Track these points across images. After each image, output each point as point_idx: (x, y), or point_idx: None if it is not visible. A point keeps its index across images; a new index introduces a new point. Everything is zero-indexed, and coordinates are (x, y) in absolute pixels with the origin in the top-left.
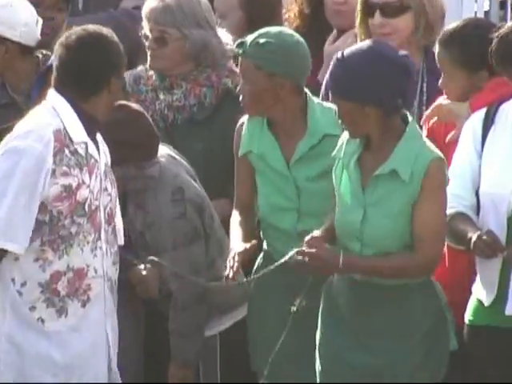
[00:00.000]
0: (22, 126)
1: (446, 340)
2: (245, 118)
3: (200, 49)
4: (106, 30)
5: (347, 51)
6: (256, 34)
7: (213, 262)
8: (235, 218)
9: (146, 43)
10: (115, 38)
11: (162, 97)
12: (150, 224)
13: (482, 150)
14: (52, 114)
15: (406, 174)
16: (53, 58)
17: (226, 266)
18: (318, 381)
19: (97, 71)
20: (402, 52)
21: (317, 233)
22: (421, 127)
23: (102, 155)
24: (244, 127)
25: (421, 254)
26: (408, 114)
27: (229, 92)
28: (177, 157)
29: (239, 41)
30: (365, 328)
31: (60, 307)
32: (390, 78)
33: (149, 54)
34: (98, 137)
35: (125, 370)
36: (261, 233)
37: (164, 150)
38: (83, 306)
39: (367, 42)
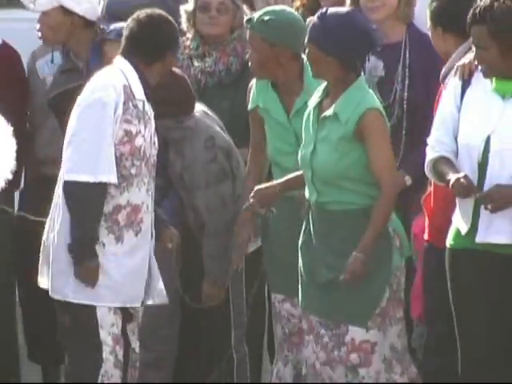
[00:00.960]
0: (96, 83)
1: (389, 254)
2: (253, 81)
3: (240, 21)
4: (166, 14)
5: (330, 10)
6: (262, 11)
7: (238, 197)
8: (250, 158)
9: (200, 14)
10: (173, 21)
11: (196, 64)
12: (187, 167)
13: (461, 106)
14: (120, 74)
15: (344, 118)
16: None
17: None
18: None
19: (158, 44)
20: (373, 25)
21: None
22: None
23: (152, 114)
24: (253, 87)
25: (385, 185)
26: (362, 73)
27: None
28: (209, 112)
29: (248, 17)
30: (325, 248)
31: (118, 235)
32: (355, 43)
33: (206, 21)
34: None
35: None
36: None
37: (199, 107)
38: (136, 235)
39: (348, 9)
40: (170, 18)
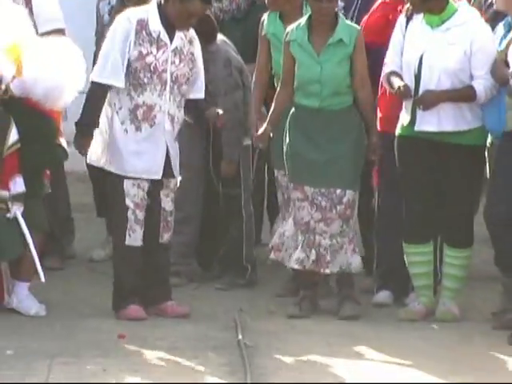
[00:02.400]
0: (121, 16)
1: (364, 140)
2: (265, 14)
3: None
4: None
5: None
6: None
7: (248, 103)
8: (257, 74)
9: None
10: None
11: (215, 4)
12: (211, 80)
13: (405, 34)
14: (141, 10)
15: (347, 40)
16: None
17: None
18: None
19: None
20: None
21: None
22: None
23: (177, 42)
24: (265, 19)
25: (366, 87)
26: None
27: (254, 1)
28: (227, 40)
29: None
30: (322, 138)
31: (137, 126)
32: None
33: None
34: (180, 33)
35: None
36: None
37: (220, 37)
38: (151, 127)
39: None
40: None
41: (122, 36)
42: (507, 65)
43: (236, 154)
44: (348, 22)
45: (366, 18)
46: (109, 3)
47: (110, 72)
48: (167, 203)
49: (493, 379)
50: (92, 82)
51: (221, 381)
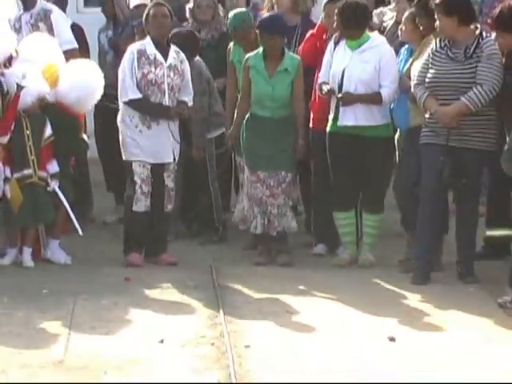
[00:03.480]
0: (130, 47)
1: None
2: (231, 44)
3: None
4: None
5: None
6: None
7: (212, 106)
8: (229, 87)
9: (197, 9)
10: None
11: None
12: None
13: (333, 55)
14: (141, 44)
15: (291, 69)
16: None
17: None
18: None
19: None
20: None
21: None
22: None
23: (171, 60)
24: (231, 48)
25: (299, 103)
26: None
27: (224, 33)
28: (201, 60)
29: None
30: (271, 138)
31: (148, 125)
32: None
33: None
34: (171, 54)
35: None
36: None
37: (197, 57)
38: (157, 125)
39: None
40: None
41: (129, 64)
42: (410, 78)
43: (201, 143)
44: (291, 53)
45: (301, 46)
46: (106, 35)
47: (131, 90)
48: (169, 181)
49: (398, 308)
50: (129, 101)
51: (199, 312)
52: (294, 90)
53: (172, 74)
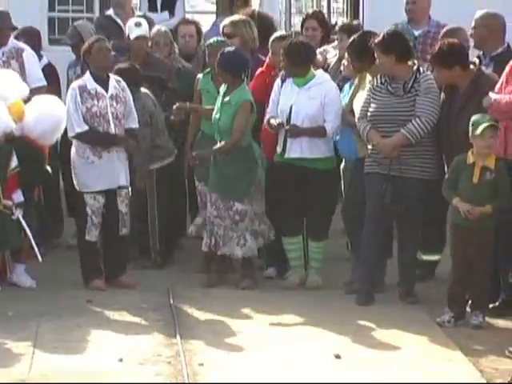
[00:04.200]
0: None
1: (256, 167)
2: (200, 75)
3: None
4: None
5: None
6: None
7: (153, 138)
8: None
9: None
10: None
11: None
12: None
13: (280, 91)
14: (81, 79)
15: (234, 103)
16: None
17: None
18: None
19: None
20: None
21: None
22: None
23: (112, 91)
24: (200, 78)
25: (237, 132)
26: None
27: (179, 69)
28: (148, 93)
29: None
30: (222, 166)
31: (99, 155)
32: (246, 62)
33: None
34: (111, 83)
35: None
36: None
37: (143, 90)
38: (108, 152)
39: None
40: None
41: (73, 100)
42: (353, 113)
43: (143, 173)
44: (245, 89)
45: (251, 82)
46: (75, 72)
47: (77, 124)
48: (123, 207)
49: (343, 327)
50: (77, 135)
51: (157, 332)
52: (234, 123)
53: (115, 103)
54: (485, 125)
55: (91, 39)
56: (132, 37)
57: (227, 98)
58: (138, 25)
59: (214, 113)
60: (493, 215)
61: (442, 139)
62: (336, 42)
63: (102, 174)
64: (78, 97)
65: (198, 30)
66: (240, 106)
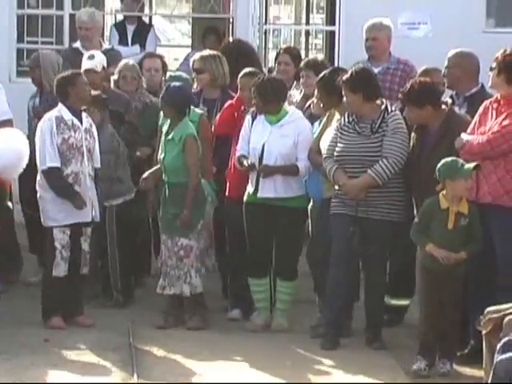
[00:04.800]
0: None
1: (204, 203)
2: (161, 112)
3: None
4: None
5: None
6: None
7: (116, 169)
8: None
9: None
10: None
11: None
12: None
13: (251, 129)
14: (58, 110)
15: (177, 139)
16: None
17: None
18: None
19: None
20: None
21: None
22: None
23: (86, 124)
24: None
25: (190, 172)
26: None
27: (147, 103)
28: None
29: None
30: (170, 203)
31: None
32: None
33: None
34: (84, 117)
35: None
36: None
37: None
38: (79, 186)
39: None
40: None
41: (48, 131)
42: (320, 152)
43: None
44: (188, 124)
45: (219, 113)
46: (33, 104)
47: (50, 158)
48: (86, 245)
49: (308, 371)
50: (48, 169)
51: (115, 373)
52: (185, 161)
53: (88, 137)
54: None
55: (73, 72)
56: (82, 69)
57: (170, 136)
58: (90, 57)
59: (158, 153)
60: (465, 261)
61: (412, 180)
62: (302, 80)
63: (72, 208)
64: (55, 128)
65: (164, 64)
66: (185, 143)
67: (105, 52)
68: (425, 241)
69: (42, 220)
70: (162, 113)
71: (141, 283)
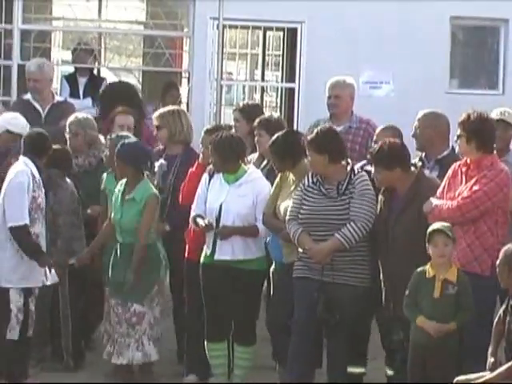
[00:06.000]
0: (14, 170)
1: (159, 267)
2: (105, 174)
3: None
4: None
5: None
6: None
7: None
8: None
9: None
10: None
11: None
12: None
13: (208, 189)
14: (27, 164)
15: (139, 199)
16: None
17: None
18: None
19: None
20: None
21: None
22: None
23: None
24: (105, 177)
25: (140, 235)
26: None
27: (101, 160)
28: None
29: None
30: (124, 266)
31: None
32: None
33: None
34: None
35: None
36: None
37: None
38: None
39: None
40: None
41: (24, 187)
42: (274, 215)
43: (63, 261)
44: (148, 184)
45: (183, 184)
46: None
47: (23, 215)
48: (32, 306)
49: None
50: (19, 226)
51: None
52: (141, 221)
53: (44, 196)
54: (430, 229)
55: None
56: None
57: (130, 195)
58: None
59: (112, 213)
60: (457, 331)
61: (379, 244)
62: (256, 137)
63: (31, 270)
64: (31, 184)
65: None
66: (146, 202)
67: (57, 104)
68: (415, 314)
69: None
70: (104, 174)
71: (90, 346)
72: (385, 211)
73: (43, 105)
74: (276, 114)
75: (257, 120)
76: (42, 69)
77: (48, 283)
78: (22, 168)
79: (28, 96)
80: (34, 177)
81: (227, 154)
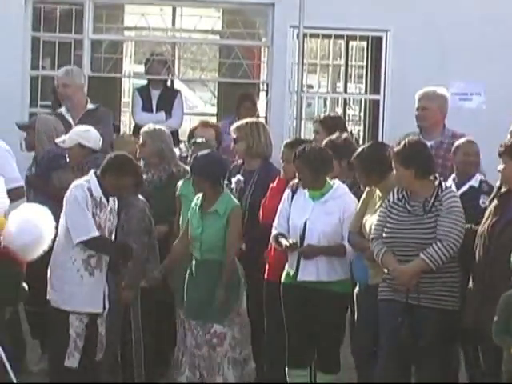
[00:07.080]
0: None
1: (239, 287)
2: (181, 181)
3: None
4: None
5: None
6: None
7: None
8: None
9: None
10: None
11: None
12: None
13: (291, 204)
14: (86, 181)
15: (222, 212)
16: None
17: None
18: None
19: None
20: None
21: None
22: None
23: (110, 203)
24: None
25: (229, 251)
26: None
27: (172, 174)
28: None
29: None
30: (201, 282)
31: (91, 271)
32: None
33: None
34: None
35: None
36: None
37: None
38: (100, 271)
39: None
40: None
41: (83, 201)
42: (360, 233)
43: (135, 284)
44: (230, 196)
45: (264, 200)
46: (30, 168)
47: (90, 228)
48: (102, 328)
49: None
50: (89, 240)
51: None
52: (227, 236)
53: (111, 218)
54: None
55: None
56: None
57: (212, 208)
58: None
59: (191, 228)
60: None
61: (475, 262)
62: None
63: (93, 294)
64: (89, 199)
65: (217, 134)
66: (231, 215)
67: (89, 112)
68: (509, 342)
69: (54, 302)
70: (180, 182)
71: (163, 375)
72: (491, 221)
73: (74, 113)
74: (344, 135)
75: (315, 117)
76: (70, 73)
77: (101, 311)
78: (78, 182)
79: (62, 109)
80: (91, 193)
81: (317, 168)
